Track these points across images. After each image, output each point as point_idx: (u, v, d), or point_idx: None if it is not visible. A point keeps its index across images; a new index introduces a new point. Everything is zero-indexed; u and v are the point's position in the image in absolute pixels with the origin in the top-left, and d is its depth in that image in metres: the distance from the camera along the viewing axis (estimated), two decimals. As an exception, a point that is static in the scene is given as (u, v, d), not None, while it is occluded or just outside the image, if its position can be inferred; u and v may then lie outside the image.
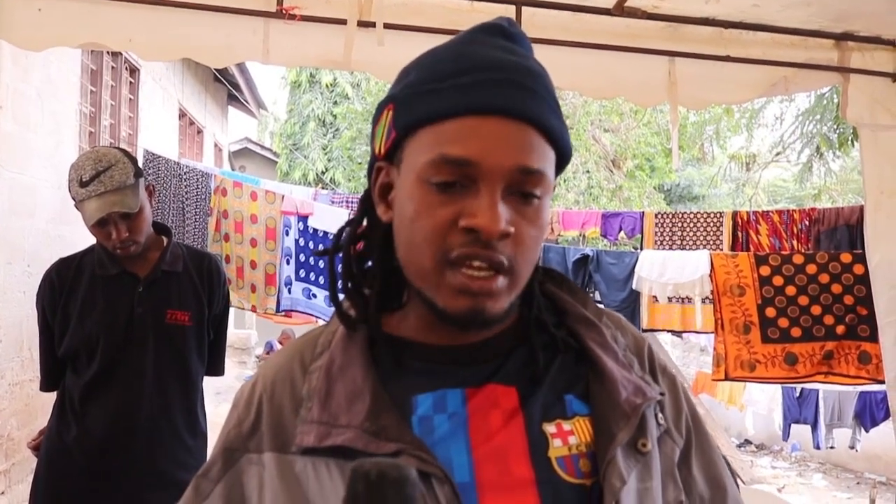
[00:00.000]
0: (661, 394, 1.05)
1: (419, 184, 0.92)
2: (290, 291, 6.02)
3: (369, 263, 1.06)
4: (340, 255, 1.06)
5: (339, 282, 1.05)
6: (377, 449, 0.91)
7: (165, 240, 2.92)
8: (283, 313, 6.14)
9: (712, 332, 5.79)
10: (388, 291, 1.04)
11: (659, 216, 8.51)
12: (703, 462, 1.08)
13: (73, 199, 2.69)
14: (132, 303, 2.76)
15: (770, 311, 5.36)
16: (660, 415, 1.04)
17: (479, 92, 0.91)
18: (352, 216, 1.07)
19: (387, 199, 1.00)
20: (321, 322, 6.07)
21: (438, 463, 0.91)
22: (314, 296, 6.00)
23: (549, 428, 0.97)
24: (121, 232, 2.67)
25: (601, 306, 1.14)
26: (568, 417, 0.99)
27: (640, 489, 0.96)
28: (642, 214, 8.68)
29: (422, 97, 0.94)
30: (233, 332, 13.77)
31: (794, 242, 7.40)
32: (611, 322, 1.11)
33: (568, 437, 0.97)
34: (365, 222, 1.06)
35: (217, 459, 1.02)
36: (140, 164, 2.87)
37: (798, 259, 5.41)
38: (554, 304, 1.10)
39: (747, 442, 13.31)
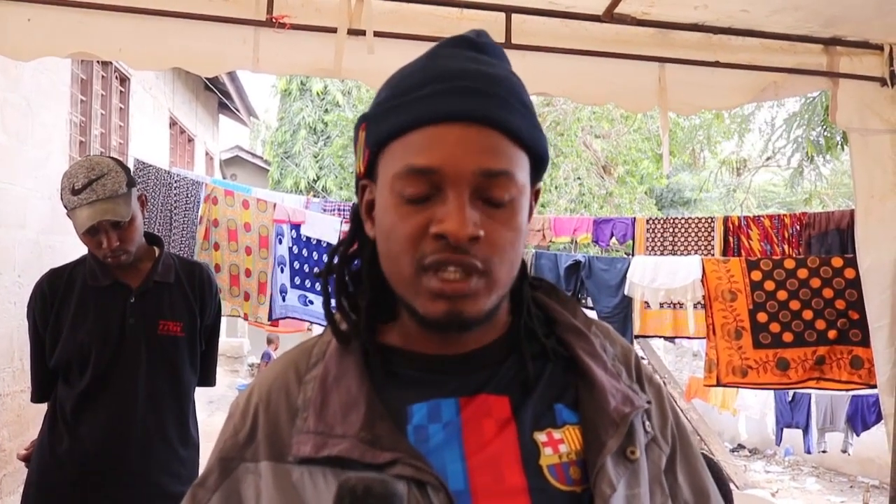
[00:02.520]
0: (648, 402, 1.08)
1: (392, 196, 0.95)
2: (284, 299, 6.03)
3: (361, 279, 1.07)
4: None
5: (333, 298, 1.08)
6: (373, 458, 0.93)
7: (157, 250, 2.91)
8: (271, 322, 6.13)
9: (704, 338, 5.80)
10: (383, 304, 1.05)
11: (650, 222, 8.51)
12: (688, 470, 1.11)
13: (65, 207, 2.68)
14: (124, 313, 2.75)
15: (762, 316, 5.37)
16: (647, 423, 1.07)
17: (439, 101, 0.93)
18: (344, 225, 1.08)
19: (372, 215, 1.02)
20: (317, 328, 6.09)
21: (434, 471, 0.93)
22: (311, 302, 6.02)
23: (540, 437, 1.00)
24: (112, 241, 2.66)
25: (590, 315, 1.16)
26: (558, 426, 1.01)
27: (629, 496, 0.99)
28: (634, 220, 8.68)
29: (388, 113, 0.96)
30: (225, 341, 13.74)
31: (786, 247, 7.41)
32: (599, 332, 1.13)
33: (558, 445, 1.00)
34: (356, 240, 1.08)
35: (214, 469, 1.03)
36: (131, 172, 2.86)
37: (789, 264, 5.43)
38: (544, 314, 1.11)
39: (740, 447, 13.31)
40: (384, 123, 0.96)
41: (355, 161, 1.05)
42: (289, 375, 1.05)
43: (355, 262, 1.08)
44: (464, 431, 0.98)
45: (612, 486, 0.96)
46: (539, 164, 1.01)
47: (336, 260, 1.08)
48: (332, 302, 1.07)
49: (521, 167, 0.96)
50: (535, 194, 1.05)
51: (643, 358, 10.31)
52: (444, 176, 0.91)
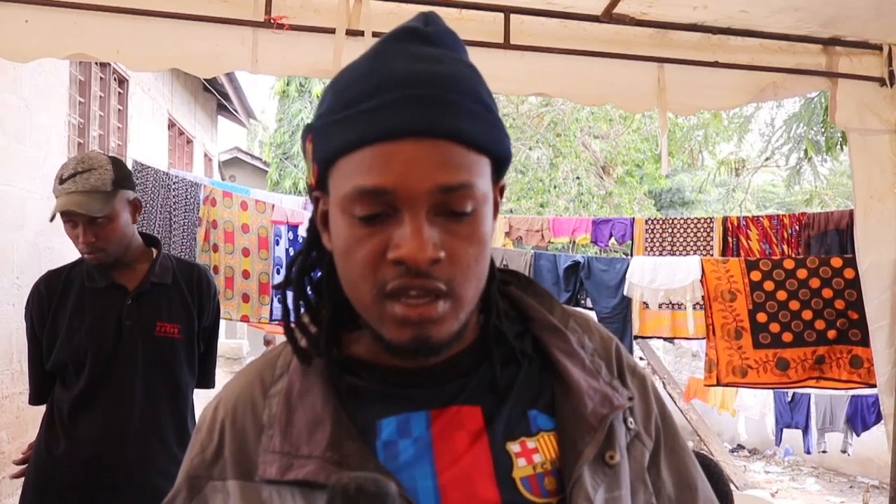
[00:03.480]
0: (630, 398, 1.04)
1: (344, 217, 0.90)
2: (279, 301, 6.01)
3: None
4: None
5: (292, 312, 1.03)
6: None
7: (155, 251, 2.90)
8: (277, 322, 6.12)
9: (703, 338, 5.80)
10: (347, 314, 0.99)
11: (649, 222, 8.51)
12: (673, 463, 1.07)
13: (54, 195, 2.70)
14: (120, 315, 2.73)
15: (761, 317, 5.36)
16: (630, 419, 1.03)
17: (386, 115, 0.86)
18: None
19: (328, 227, 0.97)
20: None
21: (404, 492, 0.90)
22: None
23: (514, 447, 0.96)
24: (86, 236, 2.66)
25: (569, 308, 1.11)
26: (532, 434, 0.98)
27: (608, 499, 0.95)
28: (633, 220, 8.68)
29: (333, 128, 0.90)
30: (224, 342, 13.72)
31: (785, 247, 7.42)
32: (577, 326, 1.08)
33: (532, 455, 0.96)
34: (314, 253, 1.03)
35: (182, 488, 1.00)
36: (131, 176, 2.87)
37: (789, 264, 5.43)
38: (518, 311, 1.07)
39: (740, 447, 13.30)
40: (330, 139, 0.90)
41: (307, 170, 0.99)
42: (254, 388, 1.01)
43: (316, 273, 1.03)
44: (435, 446, 0.94)
45: (589, 498, 0.92)
46: (501, 162, 0.95)
47: (294, 272, 1.03)
48: (292, 316, 1.03)
49: (481, 174, 0.90)
50: (500, 191, 1.00)
51: (641, 358, 10.32)
52: (397, 197, 0.86)
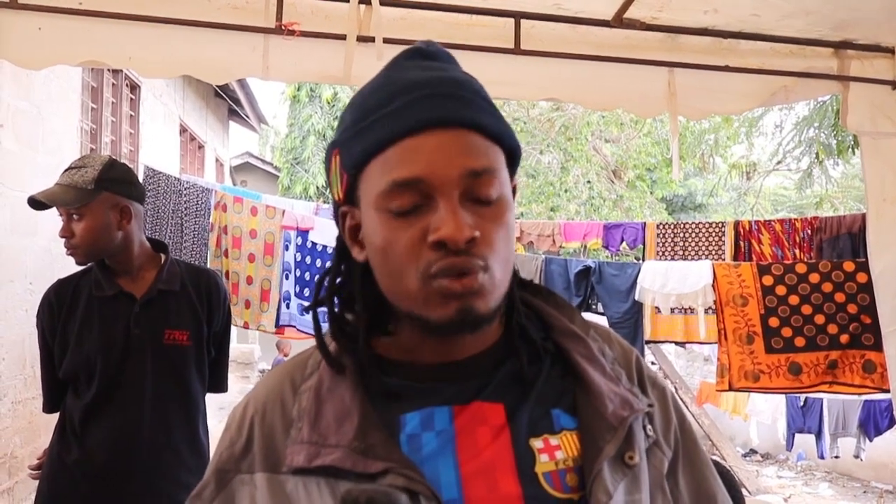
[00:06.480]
0: (650, 405, 1.07)
1: (380, 215, 0.95)
2: (288, 307, 6.00)
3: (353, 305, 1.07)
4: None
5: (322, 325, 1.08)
6: (365, 468, 0.93)
7: (163, 257, 2.89)
8: (276, 329, 6.10)
9: (715, 343, 5.78)
10: (375, 320, 1.05)
11: (661, 226, 8.50)
12: (692, 474, 1.10)
13: None
14: (128, 323, 2.71)
15: (773, 321, 5.34)
16: (648, 426, 1.06)
17: (409, 112, 0.93)
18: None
19: (358, 239, 1.02)
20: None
21: (426, 481, 0.93)
22: (307, 311, 5.96)
23: (536, 443, 0.99)
24: (63, 231, 2.70)
25: (590, 319, 1.15)
26: (555, 432, 1.01)
27: (628, 502, 0.98)
28: (644, 225, 8.67)
29: (360, 134, 0.96)
30: (236, 347, 13.74)
31: (797, 251, 7.39)
32: (598, 335, 1.12)
33: (555, 451, 0.99)
34: (343, 268, 1.08)
35: (210, 481, 1.04)
36: (141, 179, 2.86)
37: (801, 268, 5.40)
38: (540, 319, 1.11)
39: (753, 451, 13.26)
40: (358, 145, 0.97)
41: (331, 189, 1.05)
42: (284, 386, 1.06)
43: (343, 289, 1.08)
44: (457, 439, 0.98)
45: (609, 493, 0.95)
46: (512, 157, 1.02)
47: (324, 290, 1.08)
48: (323, 329, 1.07)
49: (501, 163, 0.98)
50: (513, 190, 1.05)
51: (653, 363, 10.30)
52: (430, 184, 0.92)
